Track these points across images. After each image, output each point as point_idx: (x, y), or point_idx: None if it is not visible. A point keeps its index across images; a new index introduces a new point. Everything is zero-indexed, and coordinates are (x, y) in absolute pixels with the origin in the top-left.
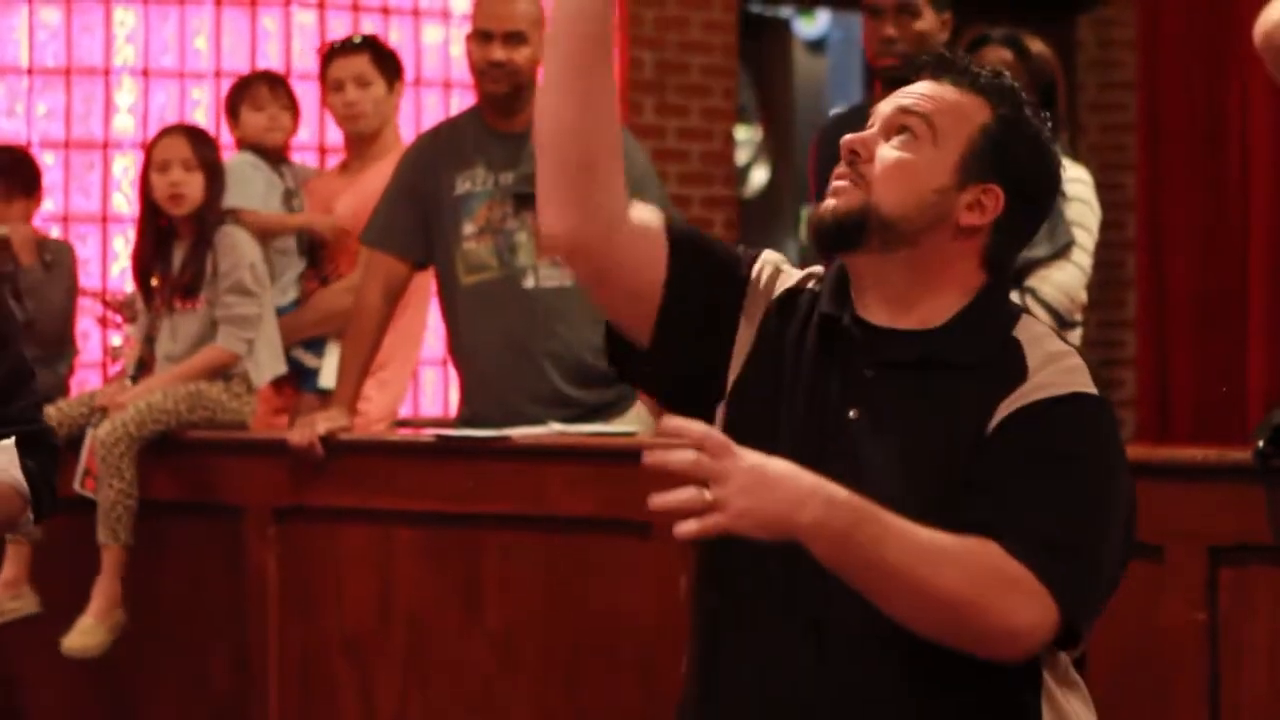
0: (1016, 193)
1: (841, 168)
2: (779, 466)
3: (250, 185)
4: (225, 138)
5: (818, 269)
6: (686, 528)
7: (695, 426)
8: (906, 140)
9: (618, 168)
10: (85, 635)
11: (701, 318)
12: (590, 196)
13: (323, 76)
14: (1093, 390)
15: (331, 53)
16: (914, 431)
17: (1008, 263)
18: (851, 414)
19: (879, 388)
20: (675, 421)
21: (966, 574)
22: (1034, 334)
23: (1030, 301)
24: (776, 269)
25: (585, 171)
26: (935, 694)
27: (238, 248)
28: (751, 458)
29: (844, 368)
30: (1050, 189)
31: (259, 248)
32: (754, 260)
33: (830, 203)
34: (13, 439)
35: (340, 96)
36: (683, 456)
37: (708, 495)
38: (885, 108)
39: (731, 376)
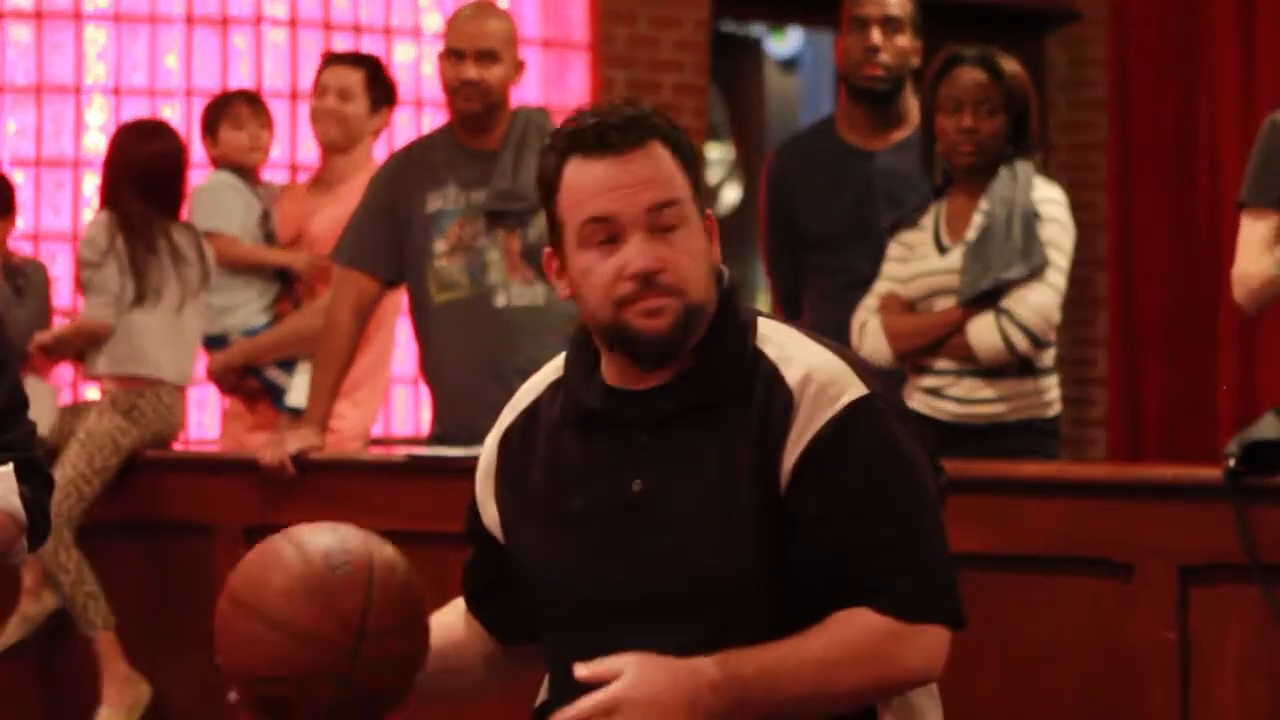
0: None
1: (650, 290)
2: (657, 681)
3: (229, 208)
4: (196, 155)
5: (520, 397)
6: None
7: (578, 707)
8: (679, 235)
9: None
10: None
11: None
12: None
13: (314, 81)
14: (861, 388)
15: (329, 60)
16: (703, 483)
17: None
18: (636, 486)
19: (655, 451)
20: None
21: (858, 664)
22: (778, 342)
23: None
24: (487, 445)
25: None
26: None
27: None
28: (634, 686)
29: (615, 444)
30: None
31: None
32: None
33: (657, 324)
34: (10, 466)
35: (320, 103)
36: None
37: None
38: (626, 211)
39: (498, 532)
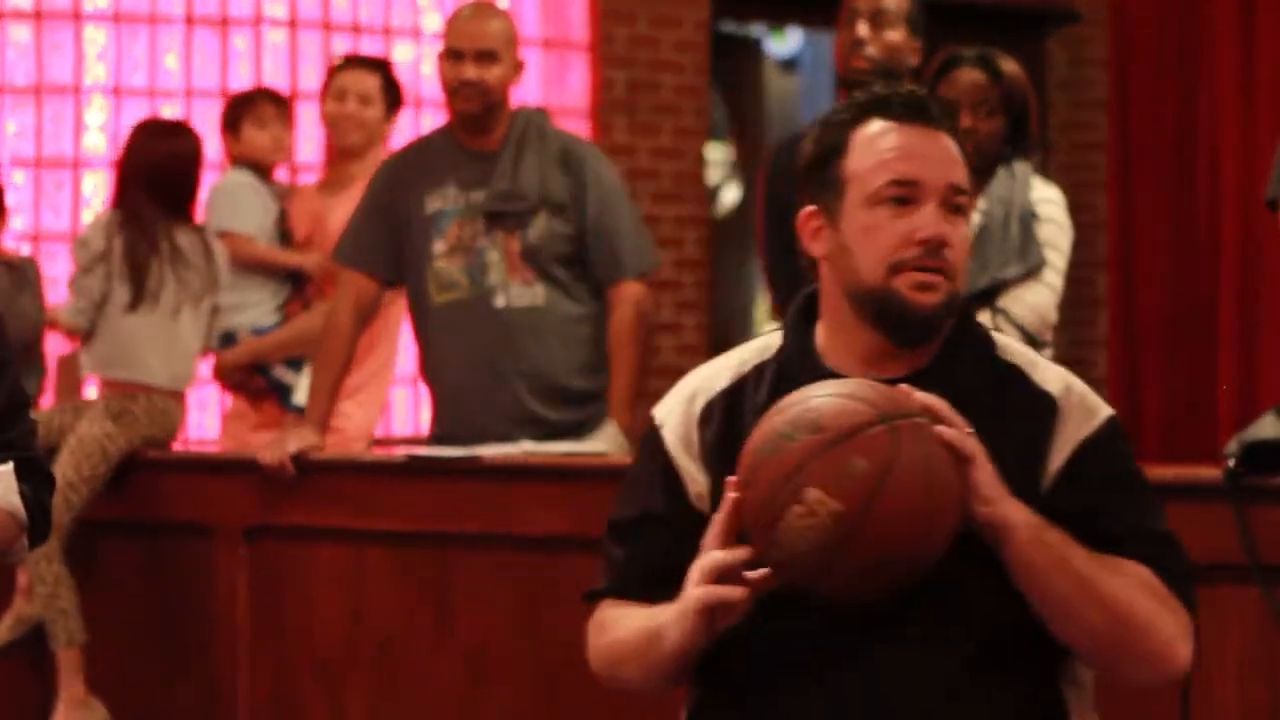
0: None
1: (933, 260)
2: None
3: (247, 209)
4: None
5: (714, 374)
6: (948, 435)
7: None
8: (961, 223)
9: None
10: None
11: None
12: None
13: (327, 84)
14: (1108, 407)
15: (346, 63)
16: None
17: None
18: None
19: None
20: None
21: (1138, 587)
22: (1017, 350)
23: (1001, 322)
24: (675, 410)
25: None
26: None
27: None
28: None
29: None
30: None
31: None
32: (659, 441)
33: (926, 299)
34: (10, 465)
35: (340, 106)
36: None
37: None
38: (930, 180)
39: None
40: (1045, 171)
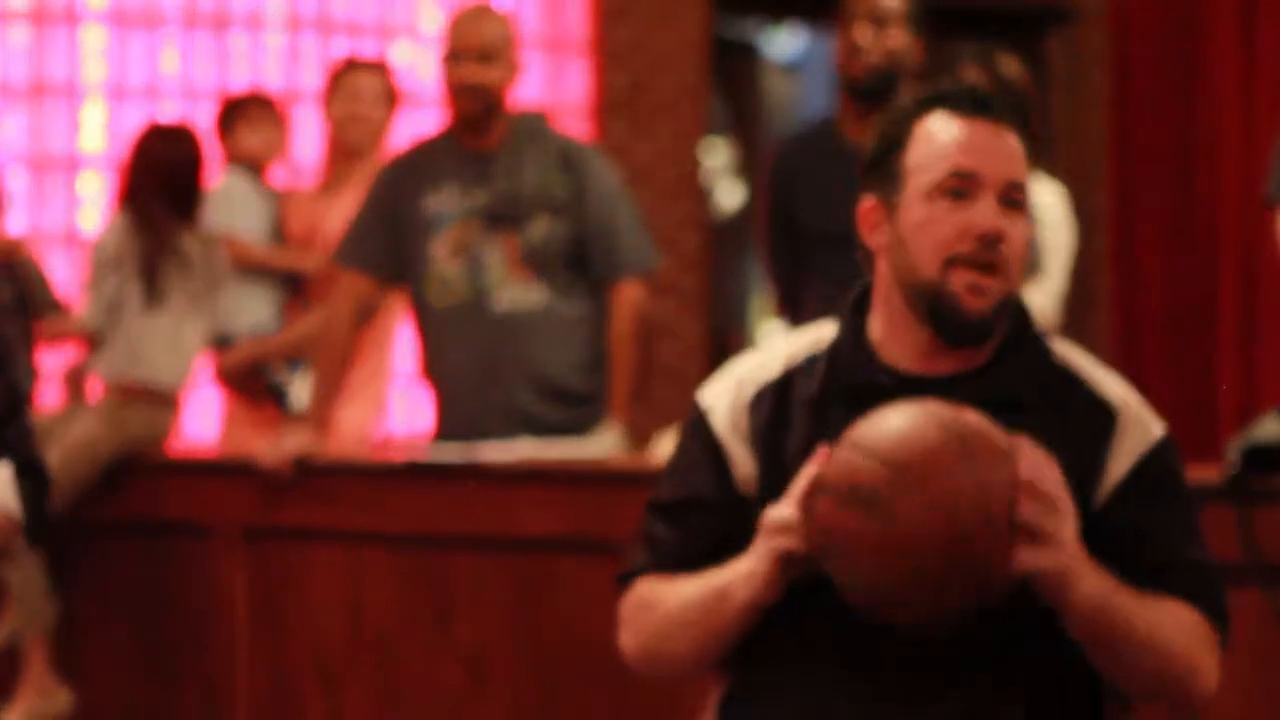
0: None
1: (988, 254)
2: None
3: (243, 211)
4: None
5: (763, 364)
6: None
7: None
8: (1017, 216)
9: None
10: None
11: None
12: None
13: (334, 85)
14: (1161, 423)
15: (355, 64)
16: None
17: None
18: None
19: None
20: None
21: (1187, 632)
22: (1085, 363)
23: None
24: (724, 395)
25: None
26: None
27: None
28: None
29: None
30: None
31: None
32: (707, 424)
33: (979, 304)
34: (9, 466)
35: (354, 106)
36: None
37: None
38: (989, 174)
39: (748, 493)
40: (1045, 171)
